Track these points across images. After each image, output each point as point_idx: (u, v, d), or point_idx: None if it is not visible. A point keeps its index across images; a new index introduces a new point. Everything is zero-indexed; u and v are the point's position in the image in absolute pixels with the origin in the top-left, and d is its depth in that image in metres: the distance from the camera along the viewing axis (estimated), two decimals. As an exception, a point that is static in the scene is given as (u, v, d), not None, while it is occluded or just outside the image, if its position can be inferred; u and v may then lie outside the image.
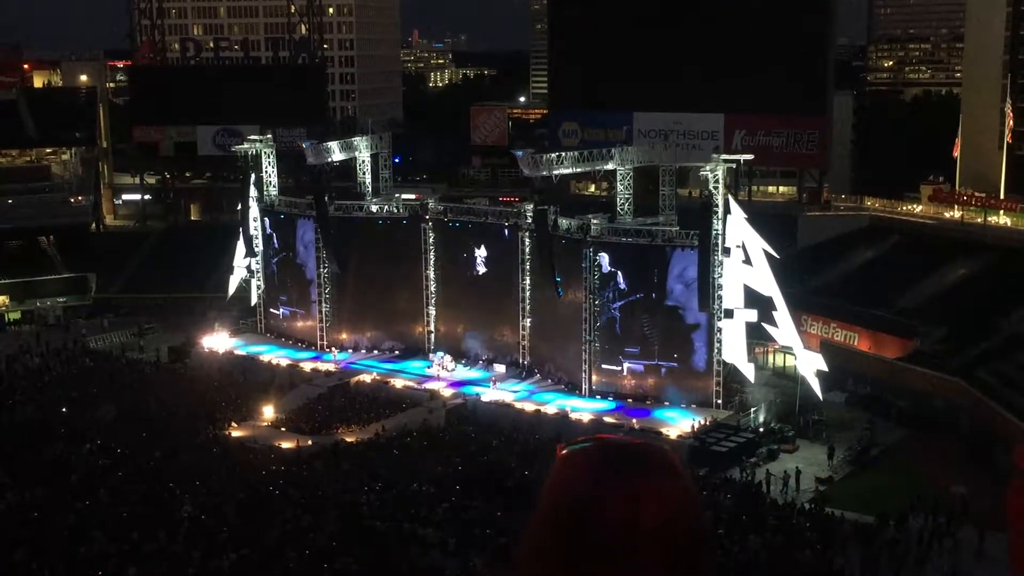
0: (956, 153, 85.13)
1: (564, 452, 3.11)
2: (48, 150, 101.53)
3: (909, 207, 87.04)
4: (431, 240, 69.18)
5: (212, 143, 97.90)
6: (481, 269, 67.54)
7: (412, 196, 78.13)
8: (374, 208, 71.70)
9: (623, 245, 61.26)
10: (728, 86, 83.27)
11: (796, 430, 57.59)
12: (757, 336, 59.65)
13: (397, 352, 70.17)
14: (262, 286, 75.41)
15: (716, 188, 57.32)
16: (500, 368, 65.89)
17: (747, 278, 57.18)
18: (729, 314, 57.72)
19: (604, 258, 60.68)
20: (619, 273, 60.75)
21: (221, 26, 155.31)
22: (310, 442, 55.00)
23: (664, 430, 56.42)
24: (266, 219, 74.59)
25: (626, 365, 61.43)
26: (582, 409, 59.66)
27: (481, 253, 67.22)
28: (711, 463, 52.66)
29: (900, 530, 44.14)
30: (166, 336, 77.44)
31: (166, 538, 37.18)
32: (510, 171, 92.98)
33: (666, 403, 59.80)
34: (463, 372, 66.51)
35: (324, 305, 71.82)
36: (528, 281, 65.22)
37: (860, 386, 63.64)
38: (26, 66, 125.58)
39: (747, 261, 56.99)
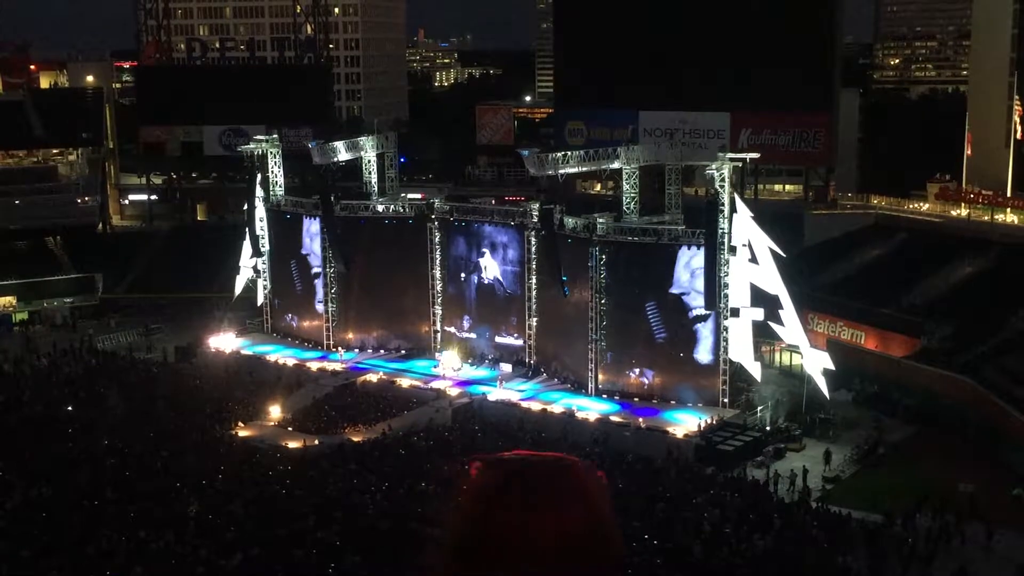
0: (968, 150, 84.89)
1: (470, 467, 3.15)
2: (55, 150, 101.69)
3: (916, 205, 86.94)
4: (437, 240, 69.18)
5: (218, 143, 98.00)
6: (489, 270, 67.53)
7: (418, 196, 78.11)
8: (380, 208, 71.74)
9: (629, 244, 61.22)
10: (734, 84, 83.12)
11: (803, 429, 57.51)
12: (764, 335, 59.57)
13: (403, 351, 70.20)
14: (268, 286, 75.47)
15: (722, 187, 57.24)
16: (506, 367, 65.87)
17: (753, 277, 57.12)
18: (735, 313, 57.66)
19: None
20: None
21: (227, 26, 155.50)
22: (317, 442, 55.06)
23: (670, 429, 56.39)
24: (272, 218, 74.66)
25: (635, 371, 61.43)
26: (588, 408, 59.65)
27: (491, 257, 67.23)
28: (718, 462, 52.63)
29: (907, 528, 44.11)
30: (173, 336, 77.54)
31: (173, 537, 37.26)
32: (516, 170, 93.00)
33: (672, 402, 59.71)
34: (469, 371, 66.50)
35: (330, 305, 71.87)
36: (534, 280, 65.19)
37: (867, 384, 63.55)
38: (33, 67, 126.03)
39: (753, 260, 56.94)
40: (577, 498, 3.03)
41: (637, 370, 61.48)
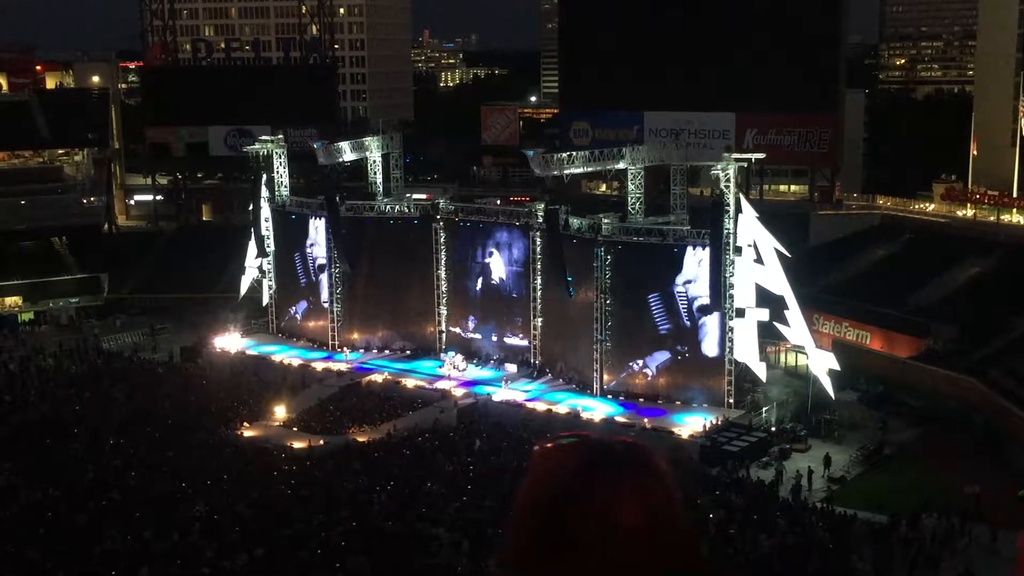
0: (974, 151, 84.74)
1: (542, 448, 3.10)
2: (60, 151, 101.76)
3: (921, 205, 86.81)
4: (442, 240, 69.22)
5: (224, 144, 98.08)
6: (494, 270, 67.59)
7: (423, 196, 78.14)
8: (385, 208, 71.77)
9: (634, 244, 61.20)
10: (739, 85, 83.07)
11: (808, 429, 57.46)
12: (769, 335, 59.52)
13: (408, 352, 70.23)
14: (274, 286, 75.54)
15: (727, 187, 57.21)
16: (511, 368, 65.89)
17: (759, 277, 57.09)
18: (741, 313, 57.62)
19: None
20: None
21: (232, 27, 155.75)
22: (322, 442, 55.08)
23: (676, 429, 56.35)
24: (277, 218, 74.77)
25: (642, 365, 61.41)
26: (593, 409, 59.65)
27: (496, 258, 67.29)
28: (723, 462, 52.58)
29: (913, 529, 44.01)
30: (178, 336, 77.63)
31: (179, 537, 37.31)
32: (521, 171, 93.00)
33: (678, 403, 59.69)
34: (474, 372, 66.52)
35: (336, 305, 71.92)
36: (539, 281, 65.18)
37: (872, 385, 63.47)
38: (38, 67, 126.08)
39: (759, 260, 56.90)
40: (657, 479, 3.01)
41: (640, 362, 61.45)
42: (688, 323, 60.20)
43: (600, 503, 2.90)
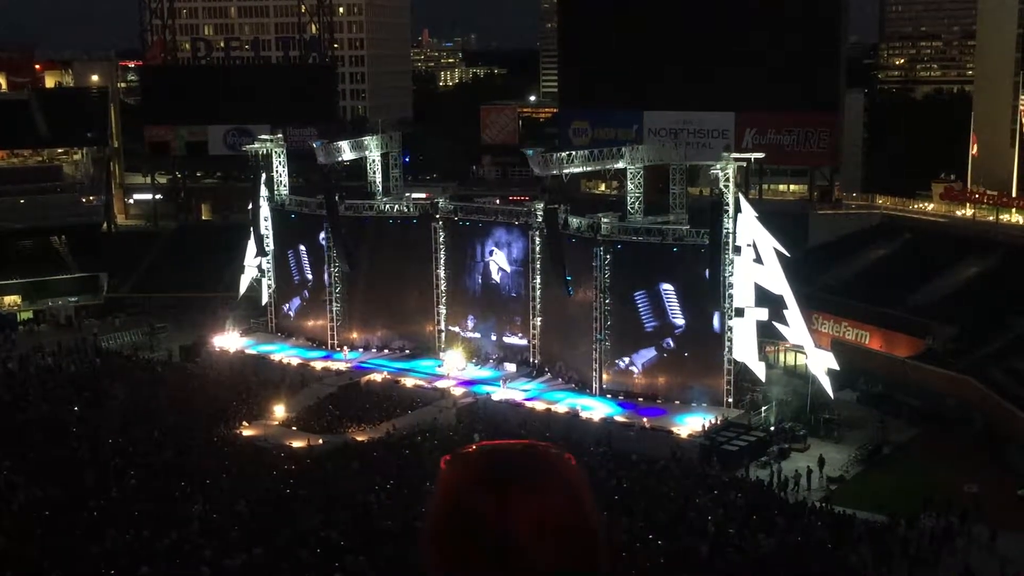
0: (974, 151, 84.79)
1: (446, 459, 3.12)
2: (60, 150, 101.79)
3: (921, 205, 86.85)
4: (441, 239, 69.22)
5: (223, 143, 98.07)
6: (493, 270, 67.60)
7: (422, 195, 78.09)
8: (384, 207, 71.76)
9: (633, 244, 61.20)
10: (739, 84, 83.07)
11: (807, 429, 57.47)
12: (768, 335, 59.51)
13: (408, 351, 70.22)
14: (273, 285, 75.53)
15: (727, 187, 57.21)
16: (510, 367, 65.89)
17: (758, 277, 57.09)
18: (740, 313, 57.61)
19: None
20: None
21: (232, 26, 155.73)
22: (321, 441, 55.07)
23: (675, 429, 56.36)
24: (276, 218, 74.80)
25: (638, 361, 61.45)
26: (592, 408, 59.65)
27: (496, 257, 67.30)
28: (722, 462, 52.60)
29: (912, 529, 44.03)
30: (177, 335, 77.59)
31: (178, 536, 37.29)
32: (520, 170, 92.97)
33: (677, 402, 59.71)
34: (473, 371, 66.51)
35: (335, 304, 71.90)
36: (538, 280, 65.18)
37: (871, 385, 63.53)
38: (38, 66, 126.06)
39: (758, 260, 56.89)
40: (552, 483, 2.99)
41: (627, 359, 61.51)
42: (674, 321, 60.26)
43: (491, 514, 2.91)
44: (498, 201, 76.74)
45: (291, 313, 75.40)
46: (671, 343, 60.54)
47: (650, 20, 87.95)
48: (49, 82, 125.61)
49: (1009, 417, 54.70)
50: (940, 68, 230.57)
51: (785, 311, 57.25)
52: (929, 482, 49.92)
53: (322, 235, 71.63)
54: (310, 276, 73.85)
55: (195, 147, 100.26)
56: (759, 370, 58.55)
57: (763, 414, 58.23)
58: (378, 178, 74.02)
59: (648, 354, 61.33)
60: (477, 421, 59.20)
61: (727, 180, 57.20)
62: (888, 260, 76.30)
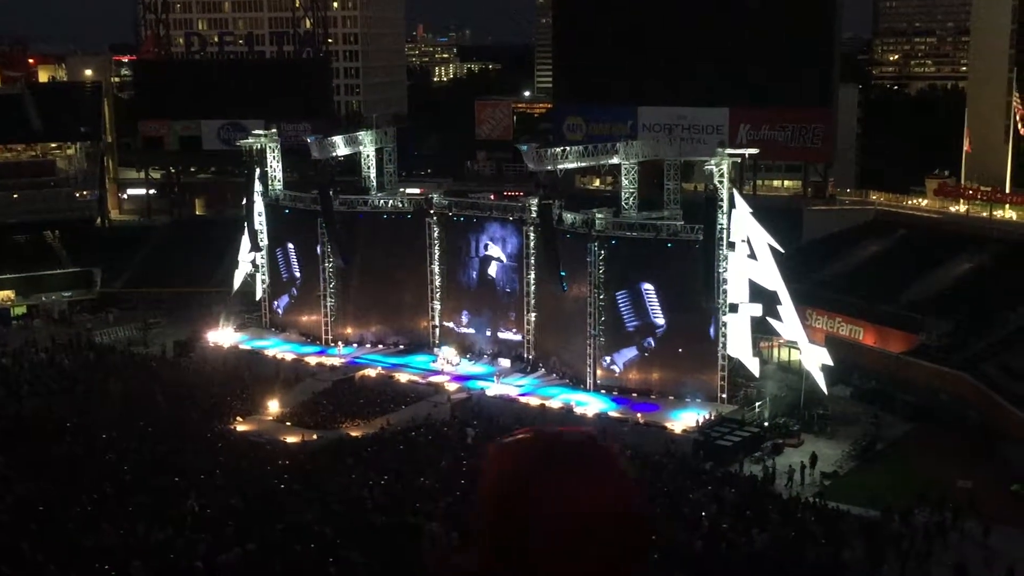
0: (967, 146, 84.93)
1: (497, 445, 3.12)
2: (53, 145, 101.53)
3: (915, 201, 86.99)
4: (435, 235, 69.18)
5: (217, 138, 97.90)
6: (490, 264, 67.58)
7: (417, 190, 78.10)
8: (379, 203, 71.71)
9: (628, 239, 61.22)
10: (733, 80, 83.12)
11: (801, 424, 57.55)
12: (762, 330, 59.59)
13: (402, 346, 70.21)
14: (267, 280, 75.45)
15: (721, 182, 57.24)
16: (505, 362, 65.90)
17: (752, 272, 57.13)
18: (734, 308, 57.67)
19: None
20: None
21: (226, 20, 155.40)
22: (315, 436, 55.06)
23: (669, 424, 56.43)
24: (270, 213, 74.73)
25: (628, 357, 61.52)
26: (586, 403, 59.70)
27: (490, 252, 67.29)
28: (716, 457, 52.66)
29: (905, 524, 44.11)
30: (171, 330, 77.50)
31: (172, 531, 37.25)
32: (515, 165, 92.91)
33: (671, 398, 59.78)
34: (468, 366, 66.51)
35: (329, 300, 71.85)
36: (533, 276, 65.17)
37: (865, 380, 63.60)
38: (31, 60, 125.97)
39: (752, 255, 56.94)
40: (609, 470, 3.04)
41: (608, 358, 61.59)
42: (655, 320, 60.30)
43: (550, 499, 2.93)
44: (492, 196, 76.75)
45: (279, 310, 75.32)
46: (652, 343, 60.66)
47: (644, 15, 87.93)
48: (42, 76, 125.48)
49: (1002, 413, 54.80)
50: (934, 64, 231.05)
51: (779, 307, 57.33)
52: (922, 478, 50.01)
53: (316, 230, 71.54)
54: (298, 274, 73.84)
55: (189, 142, 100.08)
56: (753, 366, 58.63)
57: (757, 410, 58.32)
58: (372, 173, 73.99)
59: (629, 353, 61.41)
60: (471, 417, 59.21)
61: (721, 176, 57.23)
62: (882, 256, 76.36)
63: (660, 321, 60.48)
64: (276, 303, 75.53)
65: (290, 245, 73.80)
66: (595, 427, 53.35)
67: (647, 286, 60.23)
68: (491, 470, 3.05)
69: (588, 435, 3.12)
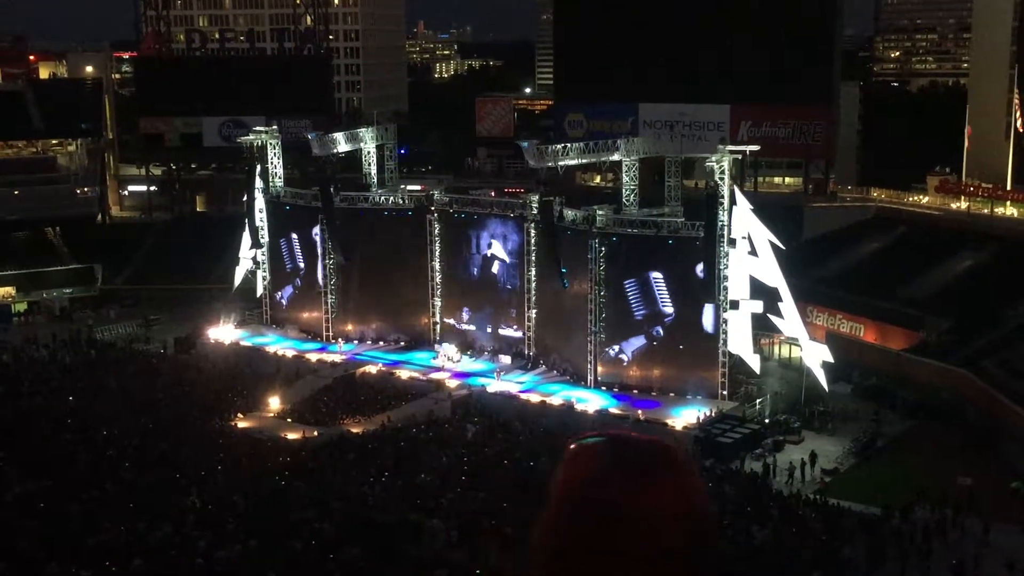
0: (968, 143, 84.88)
1: (573, 447, 3.16)
2: (54, 141, 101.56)
3: (915, 198, 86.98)
4: (436, 231, 69.17)
5: (218, 134, 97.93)
6: (492, 261, 67.57)
7: (417, 187, 78.09)
8: (380, 199, 71.68)
9: (628, 236, 61.21)
10: (734, 77, 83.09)
11: (802, 421, 57.55)
12: (763, 327, 59.59)
13: (402, 343, 70.21)
14: (268, 277, 75.46)
15: (722, 179, 57.21)
16: (505, 359, 65.90)
17: (753, 269, 57.12)
18: (735, 305, 57.67)
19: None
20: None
21: (226, 17, 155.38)
22: (316, 433, 55.08)
23: (669, 421, 56.42)
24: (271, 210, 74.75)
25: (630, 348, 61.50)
26: (587, 400, 59.70)
27: (491, 250, 67.29)
28: (716, 454, 52.65)
29: (905, 521, 44.11)
30: (172, 327, 77.55)
31: (172, 528, 37.27)
32: (515, 162, 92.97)
33: (672, 395, 59.77)
34: (468, 363, 66.51)
35: (330, 296, 71.86)
36: (534, 272, 65.16)
37: (866, 377, 63.57)
38: (32, 57, 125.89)
39: (753, 252, 56.93)
40: (685, 475, 3.10)
41: (616, 347, 61.57)
42: (663, 309, 60.30)
43: (630, 502, 2.99)
44: (493, 193, 76.75)
45: (283, 302, 75.34)
46: (660, 331, 60.63)
47: (645, 12, 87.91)
48: (43, 73, 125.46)
49: (1003, 410, 54.76)
50: (935, 61, 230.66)
51: (780, 303, 57.32)
52: (922, 475, 49.97)
53: (317, 227, 71.57)
54: (302, 264, 73.85)
55: (190, 139, 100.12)
56: (754, 362, 58.62)
57: (757, 406, 58.30)
58: (373, 170, 73.94)
59: (638, 342, 61.38)
60: (472, 413, 59.23)
61: (722, 173, 57.20)
62: (883, 253, 76.36)
63: (669, 310, 60.43)
64: (280, 294, 75.55)
65: (294, 236, 73.77)
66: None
67: (656, 275, 60.14)
68: (570, 471, 3.11)
69: (659, 440, 3.20)
